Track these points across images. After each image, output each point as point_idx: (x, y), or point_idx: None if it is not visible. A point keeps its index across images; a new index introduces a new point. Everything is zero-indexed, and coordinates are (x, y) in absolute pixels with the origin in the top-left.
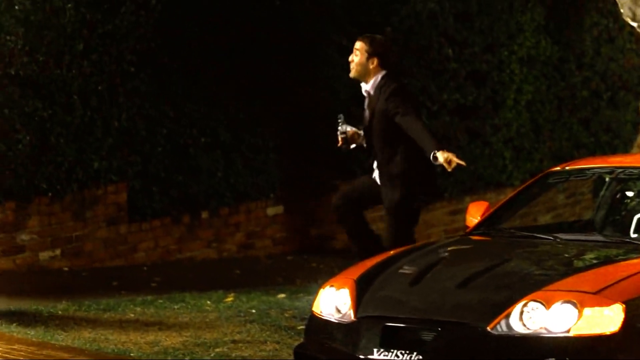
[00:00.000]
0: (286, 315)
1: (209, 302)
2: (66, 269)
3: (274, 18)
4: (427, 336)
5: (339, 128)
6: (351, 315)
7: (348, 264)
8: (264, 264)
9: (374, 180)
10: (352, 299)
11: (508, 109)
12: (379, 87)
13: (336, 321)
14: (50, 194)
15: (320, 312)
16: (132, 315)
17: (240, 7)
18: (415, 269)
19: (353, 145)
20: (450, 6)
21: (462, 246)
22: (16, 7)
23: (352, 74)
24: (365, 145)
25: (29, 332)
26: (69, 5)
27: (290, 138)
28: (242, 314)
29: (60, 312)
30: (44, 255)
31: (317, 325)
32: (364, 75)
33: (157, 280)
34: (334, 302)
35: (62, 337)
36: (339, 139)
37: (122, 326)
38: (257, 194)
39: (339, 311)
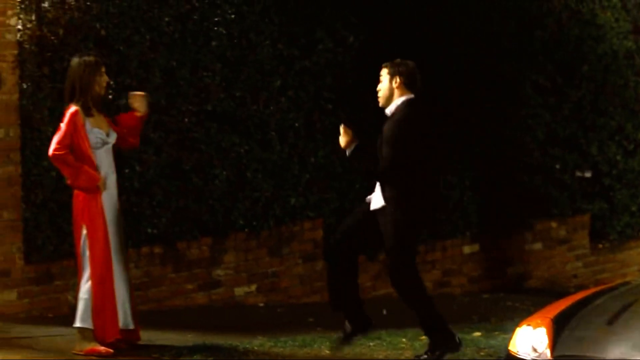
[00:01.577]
0: (482, 353)
1: (404, 339)
2: (261, 304)
3: (472, 57)
4: None
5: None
6: (548, 355)
7: (544, 302)
8: (460, 301)
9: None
10: (549, 338)
11: None
12: (396, 110)
13: None
14: (246, 230)
15: (517, 351)
16: (328, 352)
17: (437, 47)
18: (612, 309)
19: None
20: None
21: None
22: (213, 43)
23: (380, 103)
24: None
25: None
26: (267, 41)
27: (486, 176)
28: None
29: (255, 348)
30: (240, 290)
31: None
32: (389, 98)
33: None
34: (530, 341)
35: None
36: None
37: None
38: (454, 231)
39: (535, 350)
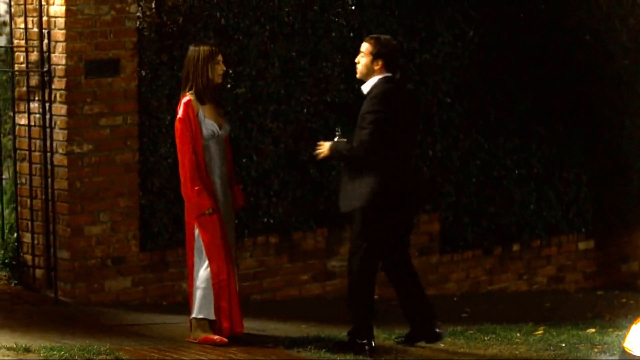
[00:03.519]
0: (595, 350)
1: (518, 334)
2: (376, 297)
3: (588, 52)
4: None
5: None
6: None
7: None
8: (574, 297)
9: None
10: None
11: None
12: (372, 88)
13: None
14: None
15: (631, 348)
16: (442, 345)
17: (554, 42)
18: None
19: None
20: None
21: None
22: (333, 34)
23: (357, 75)
24: None
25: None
26: (387, 34)
27: (603, 173)
28: (551, 348)
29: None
30: None
31: None
32: (368, 76)
33: (467, 311)
34: None
35: None
36: None
37: (431, 356)
38: (569, 227)
39: None
